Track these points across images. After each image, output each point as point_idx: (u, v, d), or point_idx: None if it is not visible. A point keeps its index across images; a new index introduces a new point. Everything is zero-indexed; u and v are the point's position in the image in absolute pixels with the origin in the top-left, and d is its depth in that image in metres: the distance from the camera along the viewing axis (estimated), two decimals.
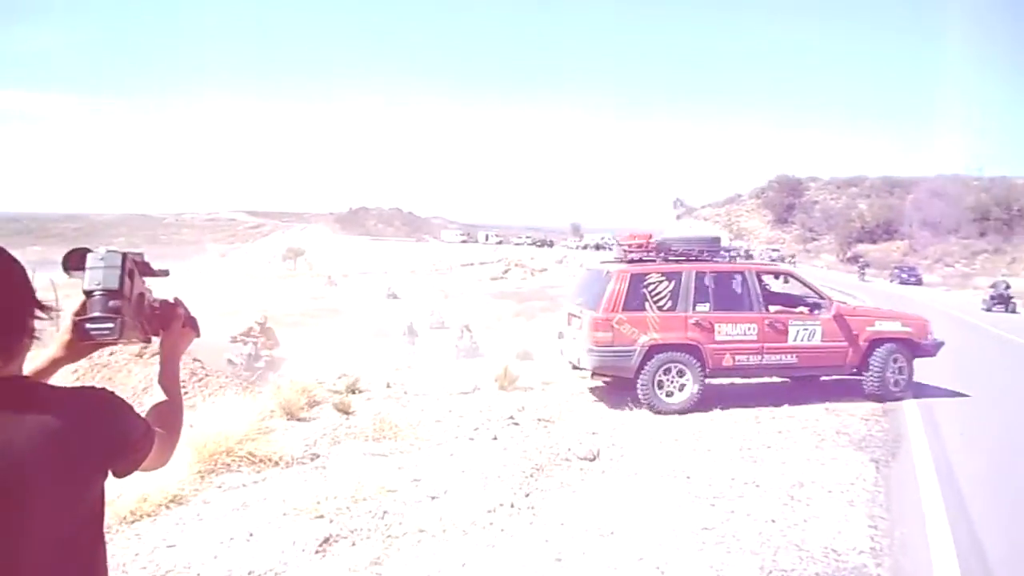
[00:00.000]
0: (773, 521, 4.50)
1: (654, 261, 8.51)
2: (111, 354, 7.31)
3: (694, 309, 8.11)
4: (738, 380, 9.05)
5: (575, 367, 8.66)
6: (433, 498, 4.80)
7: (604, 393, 8.79)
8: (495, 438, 6.42)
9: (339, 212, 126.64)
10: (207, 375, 7.14)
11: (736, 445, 6.38)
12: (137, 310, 1.38)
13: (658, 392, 7.89)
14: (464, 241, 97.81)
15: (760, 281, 8.70)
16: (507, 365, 9.29)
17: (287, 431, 6.21)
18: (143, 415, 1.43)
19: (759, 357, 8.29)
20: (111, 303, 1.28)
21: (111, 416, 1.25)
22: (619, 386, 8.37)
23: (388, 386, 8.72)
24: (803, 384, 9.05)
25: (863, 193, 76.20)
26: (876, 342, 8.63)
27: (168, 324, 1.51)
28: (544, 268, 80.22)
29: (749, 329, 8.23)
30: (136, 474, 1.32)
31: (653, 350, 7.91)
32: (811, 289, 9.10)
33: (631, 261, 8.55)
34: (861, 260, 52.45)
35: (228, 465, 5.09)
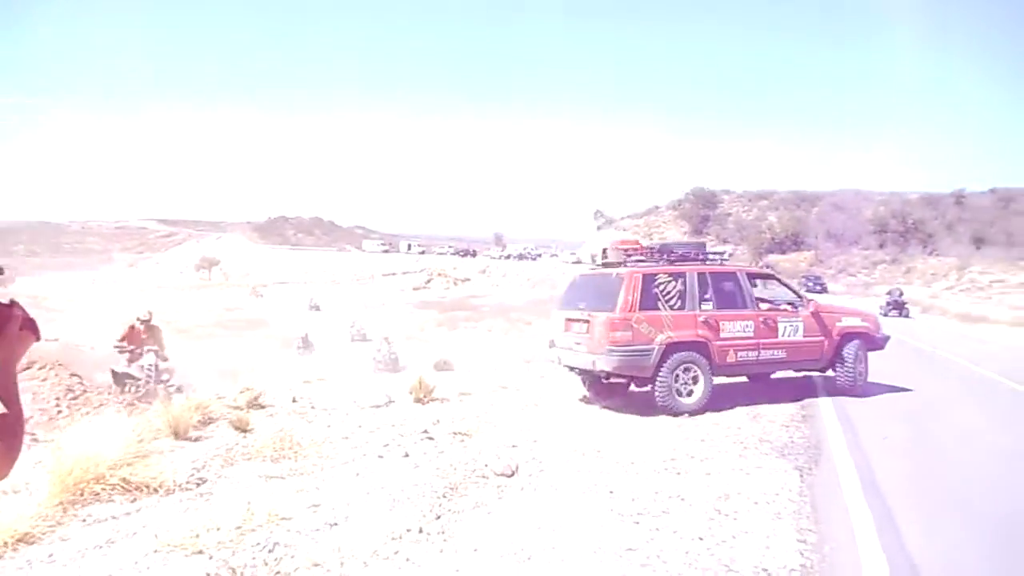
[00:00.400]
0: (700, 539, 4.23)
1: (657, 263, 8.73)
2: None
3: (700, 308, 8.35)
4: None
5: (583, 371, 8.77)
6: (332, 525, 4.30)
7: (524, 404, 8.48)
8: (407, 455, 5.97)
9: (257, 221, 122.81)
10: (84, 391, 6.38)
11: (660, 456, 6.14)
12: None
13: (673, 392, 8.06)
14: (386, 251, 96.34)
15: (750, 281, 9.07)
16: (421, 376, 8.83)
17: (175, 452, 5.58)
18: None
19: (756, 353, 8.66)
20: None
21: None
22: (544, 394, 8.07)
23: (294, 400, 8.14)
24: (726, 388, 9.00)
25: (773, 206, 79.44)
26: (846, 336, 9.28)
27: (2, 327, 1.30)
28: (467, 278, 79.95)
29: (747, 326, 8.60)
30: None
31: (670, 348, 8.06)
32: (788, 288, 9.67)
33: (638, 263, 8.72)
34: (770, 270, 54.52)
35: (97, 495, 4.46)
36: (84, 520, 4.22)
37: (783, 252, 66.04)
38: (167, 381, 9.72)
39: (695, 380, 8.21)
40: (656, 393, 8.06)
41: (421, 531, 4.29)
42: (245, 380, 10.20)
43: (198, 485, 4.89)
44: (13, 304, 1.38)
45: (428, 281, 78.14)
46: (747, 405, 8.35)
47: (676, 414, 7.90)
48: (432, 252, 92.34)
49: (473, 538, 4.24)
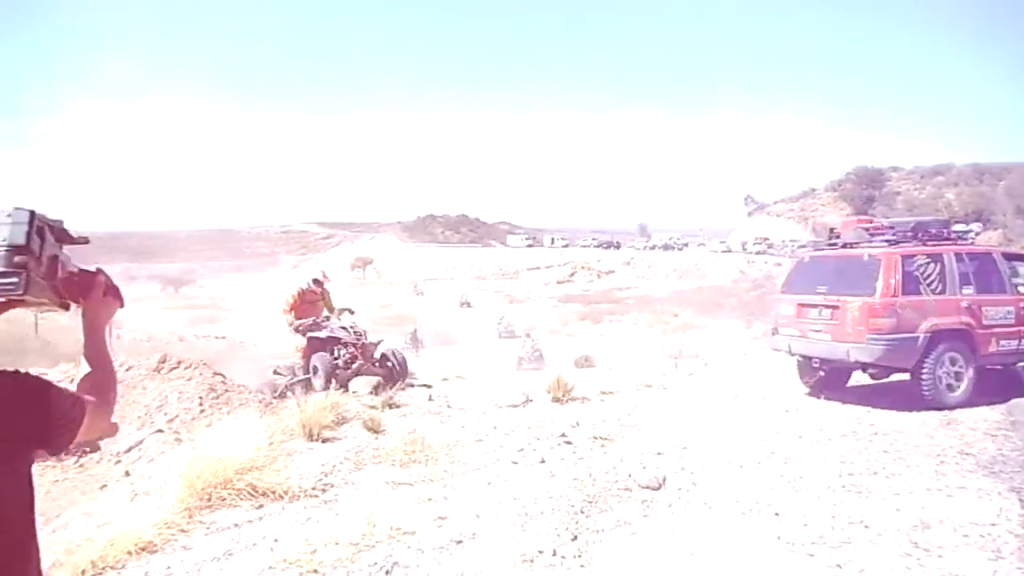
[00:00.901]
0: None
1: (910, 243, 7.96)
2: (127, 369, 6.73)
3: (961, 292, 7.62)
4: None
5: (824, 361, 8.01)
6: (458, 543, 3.91)
7: (671, 404, 7.78)
8: (542, 460, 5.50)
9: (407, 221, 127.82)
10: (227, 390, 6.42)
11: (834, 469, 5.26)
12: (50, 272, 1.36)
13: (941, 384, 7.33)
14: (530, 245, 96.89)
15: (1008, 263, 8.23)
16: (559, 374, 8.32)
17: (305, 455, 5.45)
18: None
19: (1018, 342, 7.85)
20: (16, 258, 1.25)
21: (32, 397, 1.24)
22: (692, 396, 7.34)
23: (429, 399, 7.91)
24: (903, 386, 7.83)
25: (950, 181, 71.88)
26: None
27: (87, 292, 1.51)
28: (611, 270, 78.73)
29: (1008, 312, 7.81)
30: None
31: (936, 337, 7.34)
32: None
33: (890, 243, 7.95)
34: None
35: (223, 500, 4.34)
36: (208, 527, 4.09)
37: None
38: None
39: (959, 371, 7.38)
40: (922, 386, 7.24)
41: (555, 553, 3.80)
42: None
43: (324, 491, 4.68)
44: (98, 271, 1.54)
45: (572, 274, 77.80)
46: (938, 408, 7.15)
47: (943, 408, 7.11)
48: (576, 245, 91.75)
49: (614, 564, 3.69)
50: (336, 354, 8.79)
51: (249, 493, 4.40)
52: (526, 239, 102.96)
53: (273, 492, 4.47)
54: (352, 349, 8.93)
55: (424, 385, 8.79)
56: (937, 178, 74.67)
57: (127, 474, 5.24)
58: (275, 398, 11.64)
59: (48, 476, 5.28)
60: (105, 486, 5.09)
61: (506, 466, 5.38)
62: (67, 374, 7.23)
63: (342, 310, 10.56)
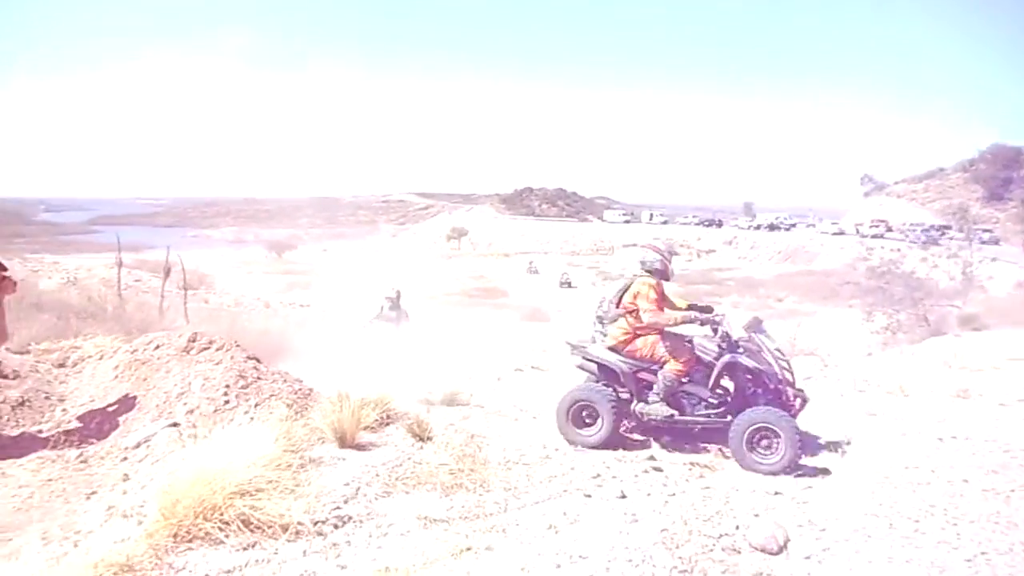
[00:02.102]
0: None
1: None
2: (156, 348, 5.98)
3: None
4: None
5: None
6: None
7: None
8: (623, 495, 4.29)
9: (504, 193, 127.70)
10: (258, 378, 5.54)
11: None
12: None
13: None
14: (627, 221, 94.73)
15: None
16: None
17: (330, 468, 4.46)
18: None
19: None
20: None
21: None
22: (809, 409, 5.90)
23: (494, 398, 6.83)
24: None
25: None
26: None
27: None
28: (712, 249, 75.82)
29: None
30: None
31: None
32: None
33: None
34: None
35: (206, 534, 3.40)
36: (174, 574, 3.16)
37: None
38: None
39: None
40: None
41: None
42: (463, 363, 9.26)
43: (336, 527, 3.65)
44: None
45: None
46: None
47: None
48: (675, 222, 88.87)
49: None
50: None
51: (241, 526, 3.44)
52: (623, 215, 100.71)
53: (271, 526, 3.49)
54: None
55: (496, 378, 7.73)
56: None
57: (125, 478, 4.43)
58: None
59: (43, 473, 4.55)
60: (95, 493, 4.29)
61: (576, 500, 4.22)
62: (101, 348, 6.61)
63: None
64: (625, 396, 5.67)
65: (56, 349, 6.68)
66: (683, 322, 5.58)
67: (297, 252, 69.76)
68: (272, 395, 5.45)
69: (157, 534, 3.32)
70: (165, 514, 3.41)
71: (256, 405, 5.28)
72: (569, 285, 41.25)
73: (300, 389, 5.72)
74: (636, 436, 5.77)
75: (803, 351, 11.35)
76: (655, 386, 5.49)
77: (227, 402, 5.25)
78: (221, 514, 3.46)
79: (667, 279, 5.90)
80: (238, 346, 6.01)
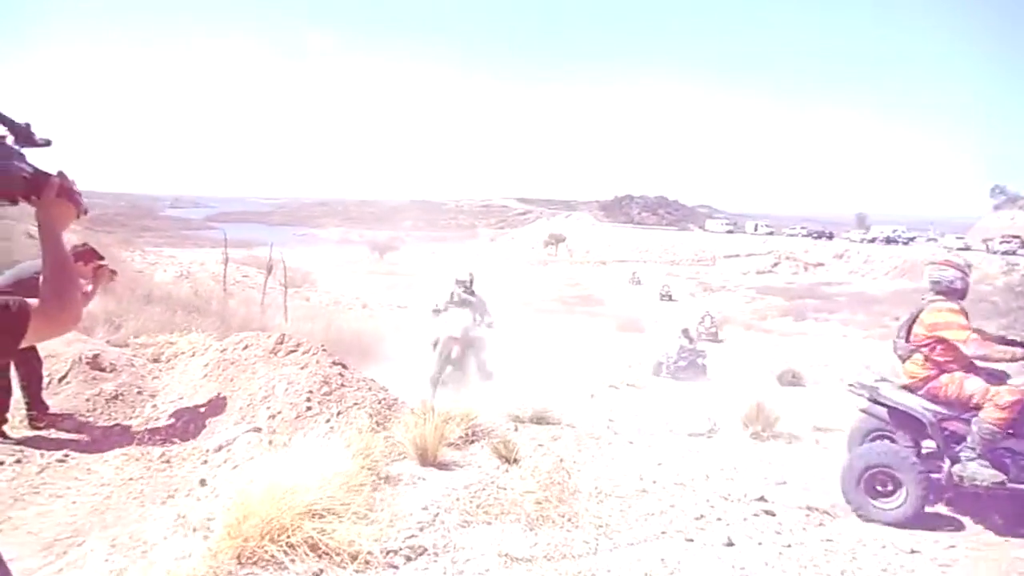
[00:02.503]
0: None
1: None
2: (244, 348, 5.92)
3: None
4: None
5: None
6: None
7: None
8: (729, 543, 3.78)
9: (604, 200, 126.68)
10: (342, 384, 5.35)
11: None
12: None
13: None
14: (730, 231, 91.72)
15: None
16: (760, 402, 6.36)
17: (409, 488, 4.18)
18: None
19: None
20: None
21: None
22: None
23: (588, 418, 6.39)
24: None
25: None
26: None
27: (39, 191, 1.57)
28: (820, 263, 72.13)
29: None
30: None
31: None
32: None
33: None
34: None
35: (271, 558, 3.16)
36: None
37: None
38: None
39: None
40: None
41: None
42: (555, 376, 8.86)
43: (408, 559, 3.34)
44: (60, 174, 1.62)
45: (775, 264, 72.43)
46: None
47: None
48: (781, 233, 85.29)
49: None
50: None
51: (306, 552, 3.19)
52: (726, 224, 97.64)
53: (339, 553, 3.22)
54: None
55: (588, 395, 7.29)
56: None
57: (202, 483, 4.31)
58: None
59: (126, 472, 4.50)
60: (171, 497, 4.18)
61: (676, 544, 3.74)
62: (193, 345, 6.64)
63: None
64: (927, 452, 4.70)
65: (152, 344, 6.77)
66: (1020, 358, 4.40)
67: (399, 253, 71.35)
68: (355, 404, 5.24)
69: (221, 554, 3.11)
70: (231, 532, 3.19)
71: (338, 413, 5.08)
72: (670, 298, 39.53)
73: (385, 399, 5.49)
74: (946, 510, 4.61)
75: None
76: (968, 439, 4.32)
77: (309, 408, 5.09)
78: (289, 536, 3.22)
79: (963, 299, 4.84)
80: (324, 350, 5.86)
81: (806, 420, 6.50)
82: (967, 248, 64.13)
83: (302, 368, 5.51)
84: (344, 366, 5.81)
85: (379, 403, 5.39)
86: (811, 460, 5.40)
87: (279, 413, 5.05)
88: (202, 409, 5.42)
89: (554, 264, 75.48)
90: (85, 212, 1.68)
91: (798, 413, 6.70)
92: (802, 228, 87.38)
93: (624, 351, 18.88)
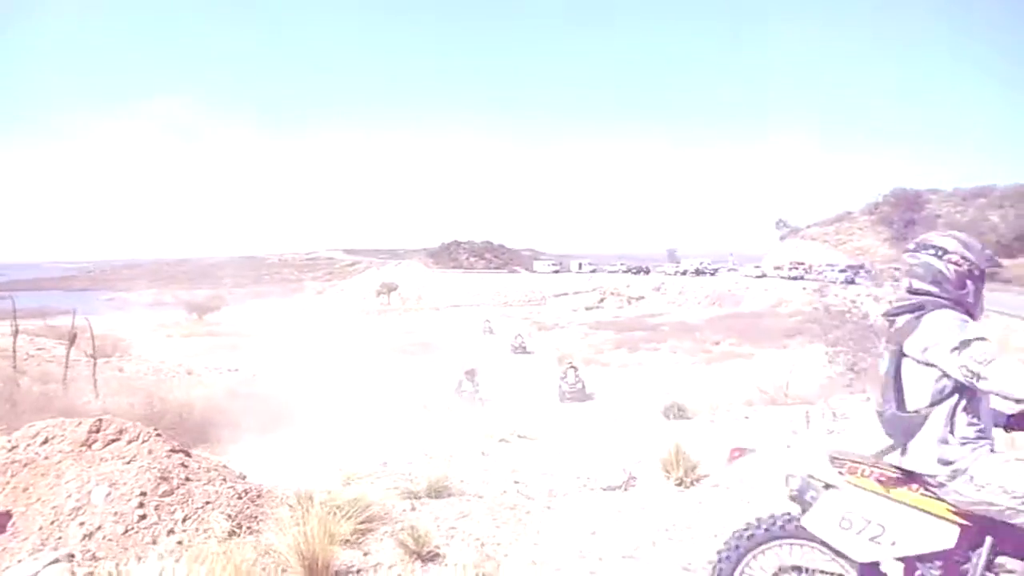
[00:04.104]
0: None
1: None
2: (43, 442, 4.44)
3: None
4: None
5: None
6: None
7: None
8: None
9: (431, 247, 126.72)
10: (187, 479, 4.09)
11: None
12: None
13: None
14: (556, 271, 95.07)
15: None
16: (678, 443, 5.77)
17: None
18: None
19: None
20: None
21: None
22: None
23: (489, 481, 5.46)
24: None
25: (994, 203, 68.58)
26: None
27: None
28: (641, 296, 76.25)
29: None
30: None
31: None
32: None
33: None
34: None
35: None
36: None
37: (1011, 256, 56.01)
38: None
39: None
40: None
41: None
42: (422, 431, 7.89)
43: None
44: None
45: (601, 300, 75.53)
46: None
47: None
48: (603, 270, 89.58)
49: None
50: None
51: None
52: (552, 265, 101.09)
53: None
54: None
55: (479, 452, 6.38)
56: (979, 200, 71.71)
57: None
58: None
59: None
60: None
61: None
62: None
63: None
64: None
65: None
66: None
67: (220, 313, 66.28)
68: (207, 502, 4.00)
69: None
70: None
71: (184, 519, 3.83)
72: (523, 350, 37.35)
73: (246, 490, 4.27)
74: None
75: (796, 400, 10.43)
76: None
77: (143, 517, 3.79)
78: None
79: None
80: (158, 435, 4.52)
81: (715, 456, 6.04)
82: (764, 275, 70.98)
83: (128, 462, 4.16)
84: (186, 452, 4.51)
85: (238, 497, 4.18)
86: (746, 509, 4.88)
87: (98, 529, 3.70)
88: None
89: (388, 313, 73.58)
90: None
91: (699, 447, 6.22)
92: (621, 264, 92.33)
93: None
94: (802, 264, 71.28)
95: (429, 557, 3.69)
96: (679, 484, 5.23)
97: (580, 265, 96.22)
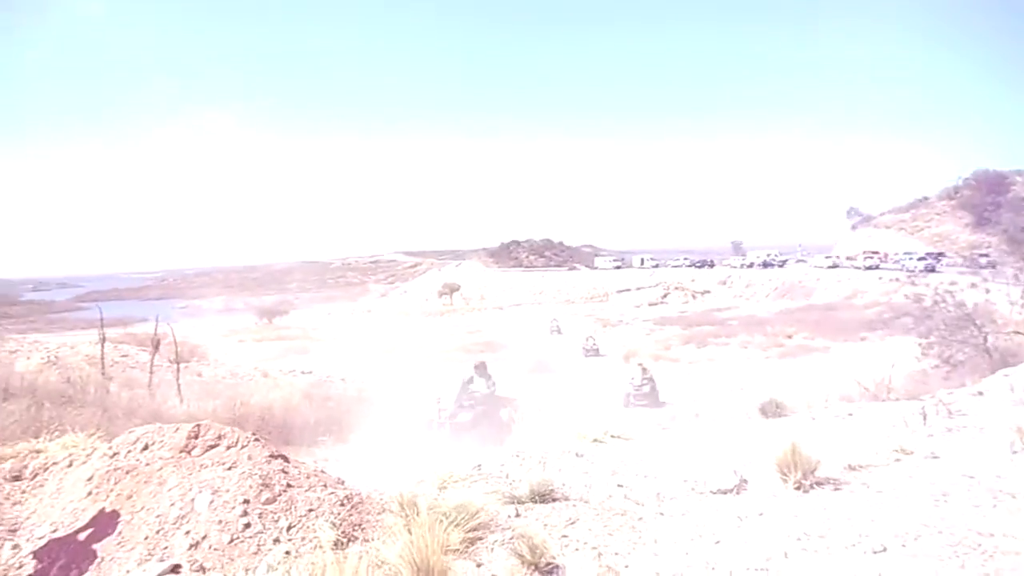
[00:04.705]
0: None
1: None
2: (143, 449, 4.37)
3: None
4: None
5: None
6: None
7: (980, 498, 4.75)
8: None
9: (491, 247, 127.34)
10: (289, 485, 3.95)
11: None
12: None
13: None
14: (618, 267, 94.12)
15: None
16: (794, 443, 5.37)
17: None
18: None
19: None
20: None
21: None
22: None
23: (595, 486, 5.18)
24: None
25: None
26: None
27: None
28: (707, 290, 74.76)
29: None
30: None
31: None
32: None
33: None
34: None
35: None
36: None
37: None
38: None
39: None
40: None
41: None
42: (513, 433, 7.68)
43: None
44: None
45: (665, 295, 74.39)
46: None
47: None
48: (666, 265, 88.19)
49: None
50: None
51: None
52: (614, 261, 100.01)
53: None
54: None
55: (573, 453, 6.09)
56: None
57: None
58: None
59: None
60: None
61: None
62: (70, 450, 5.00)
63: None
64: None
65: (11, 455, 5.02)
66: None
67: (288, 317, 68.00)
68: (310, 509, 3.85)
69: None
70: None
71: (289, 527, 3.69)
72: (596, 352, 35.72)
73: (348, 496, 4.09)
74: None
75: (898, 393, 9.80)
76: None
77: (247, 526, 3.66)
78: None
79: None
80: (256, 440, 4.40)
81: (824, 455, 5.61)
82: (836, 266, 68.60)
83: (229, 468, 4.05)
84: (285, 458, 4.38)
85: (341, 504, 4.01)
86: (872, 511, 4.46)
87: (204, 539, 3.59)
88: (82, 536, 3.86)
89: (451, 313, 74.10)
90: None
91: (807, 446, 5.79)
92: (685, 259, 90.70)
93: (548, 391, 18.00)
94: (877, 253, 68.66)
95: (547, 570, 3.44)
96: (798, 488, 4.83)
97: (642, 260, 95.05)
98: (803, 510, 4.41)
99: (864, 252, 70.92)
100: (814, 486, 4.87)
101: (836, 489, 4.87)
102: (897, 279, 53.23)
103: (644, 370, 19.45)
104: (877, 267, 63.00)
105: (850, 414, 7.87)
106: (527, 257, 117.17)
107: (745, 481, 5.12)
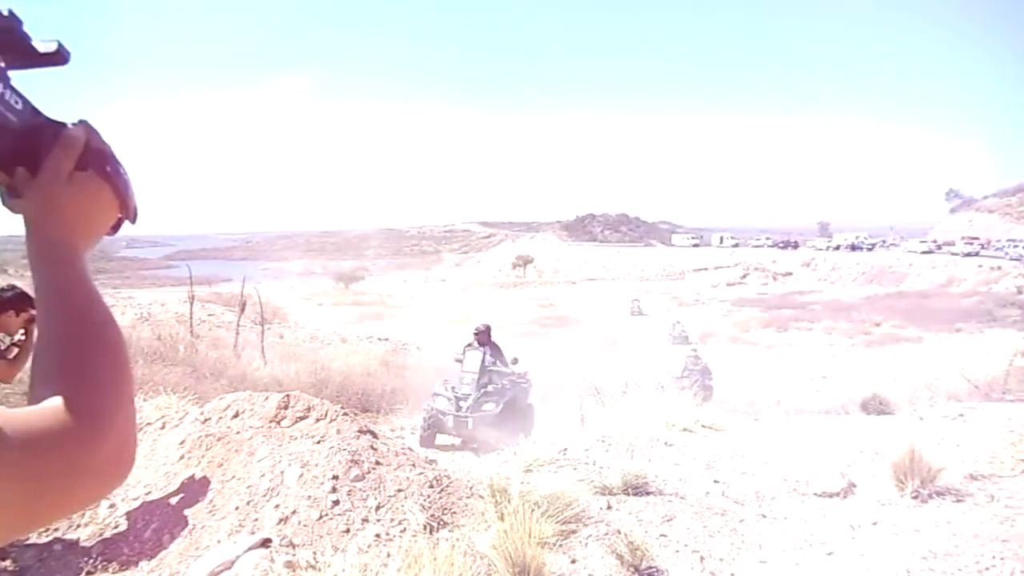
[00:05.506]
0: None
1: None
2: (234, 416, 4.35)
3: None
4: None
5: None
6: None
7: None
8: None
9: (566, 220, 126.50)
10: (378, 463, 3.84)
11: None
12: None
13: None
14: (696, 245, 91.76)
15: None
16: (912, 445, 4.93)
17: None
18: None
19: None
20: None
21: None
22: None
23: (711, 482, 4.90)
24: None
25: None
26: None
27: (36, 158, 0.64)
28: (789, 272, 72.06)
29: None
30: None
31: None
32: None
33: None
34: None
35: None
36: None
37: None
38: None
39: None
40: None
41: None
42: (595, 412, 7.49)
43: None
44: (82, 126, 0.69)
45: (744, 276, 72.21)
46: None
47: None
48: (747, 245, 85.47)
49: None
50: None
51: None
52: (692, 238, 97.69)
53: None
54: None
55: (663, 442, 5.82)
56: None
57: None
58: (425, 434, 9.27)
59: None
60: None
61: None
62: (164, 412, 5.05)
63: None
64: None
65: None
66: None
67: (365, 283, 69.42)
68: (399, 489, 3.72)
69: None
70: None
71: (378, 507, 3.57)
72: (686, 340, 32.84)
73: (437, 478, 3.95)
74: None
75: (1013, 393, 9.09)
76: None
77: (336, 503, 3.56)
78: None
79: None
80: (345, 414, 4.32)
81: (942, 459, 5.16)
82: (931, 251, 64.91)
83: (318, 442, 3.97)
84: (373, 433, 4.28)
85: (430, 486, 3.87)
86: (1008, 528, 4.04)
87: (293, 513, 3.51)
88: (174, 500, 3.86)
89: (524, 285, 74.10)
90: (134, 214, 0.73)
91: (931, 457, 5.34)
92: (767, 239, 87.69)
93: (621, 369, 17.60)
94: (977, 239, 64.44)
95: (647, 572, 3.21)
96: (915, 496, 4.43)
97: (721, 239, 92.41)
98: (923, 523, 4.02)
99: (963, 238, 66.64)
100: (933, 495, 4.45)
101: (958, 500, 4.43)
102: (999, 267, 50.15)
103: (697, 358, 15.88)
104: (977, 254, 59.28)
105: (961, 415, 7.28)
106: (602, 232, 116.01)
107: (853, 484, 4.74)
